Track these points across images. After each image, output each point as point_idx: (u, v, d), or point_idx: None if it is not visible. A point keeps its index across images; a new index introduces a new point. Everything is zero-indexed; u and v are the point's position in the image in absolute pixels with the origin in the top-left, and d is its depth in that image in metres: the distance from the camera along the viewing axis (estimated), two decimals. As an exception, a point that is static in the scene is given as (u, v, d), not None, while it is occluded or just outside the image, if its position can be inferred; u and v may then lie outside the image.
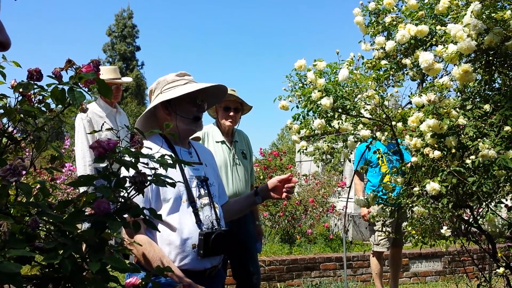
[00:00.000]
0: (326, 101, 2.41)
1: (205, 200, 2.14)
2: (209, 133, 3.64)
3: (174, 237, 2.00)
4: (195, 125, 2.21)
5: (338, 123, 2.75)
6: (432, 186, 2.17)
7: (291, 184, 2.32)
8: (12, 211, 1.09)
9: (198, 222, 2.05)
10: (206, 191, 2.17)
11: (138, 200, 1.93)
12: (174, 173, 2.05)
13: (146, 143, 2.05)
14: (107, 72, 4.68)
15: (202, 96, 2.23)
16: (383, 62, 2.79)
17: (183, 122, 2.17)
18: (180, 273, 1.93)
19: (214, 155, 3.47)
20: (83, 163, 4.33)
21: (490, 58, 2.32)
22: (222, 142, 3.62)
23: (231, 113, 3.60)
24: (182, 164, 2.12)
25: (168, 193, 2.03)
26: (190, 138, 2.82)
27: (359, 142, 3.03)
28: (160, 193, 2.03)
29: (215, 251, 2.04)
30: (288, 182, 2.32)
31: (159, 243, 1.99)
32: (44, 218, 1.07)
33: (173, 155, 2.10)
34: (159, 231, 1.94)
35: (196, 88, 2.14)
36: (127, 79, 5.34)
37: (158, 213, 1.94)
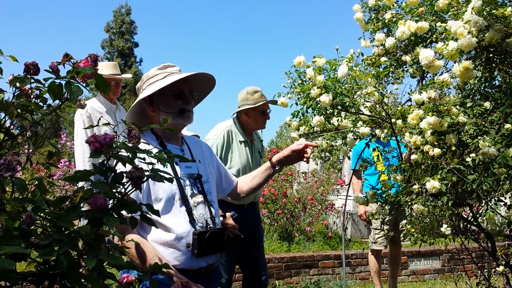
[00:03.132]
0: (325, 98, 2.40)
1: (199, 198, 2.09)
2: (233, 131, 3.58)
3: (167, 237, 1.96)
4: (182, 118, 2.12)
5: (338, 120, 2.74)
6: (432, 184, 2.15)
7: (310, 148, 2.40)
8: (7, 207, 1.08)
9: (192, 221, 2.01)
10: (199, 189, 2.13)
11: None
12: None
13: None
14: (107, 68, 4.67)
15: (188, 88, 2.15)
16: (383, 59, 2.77)
17: (168, 117, 2.08)
18: (175, 271, 1.90)
19: (239, 155, 3.48)
20: (82, 158, 4.32)
21: (491, 55, 2.30)
22: (245, 142, 3.59)
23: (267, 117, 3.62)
24: (174, 163, 2.08)
25: (160, 193, 1.98)
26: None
27: (357, 140, 3.02)
28: (151, 193, 1.98)
29: (209, 250, 2.01)
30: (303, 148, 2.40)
31: (152, 243, 1.96)
32: (40, 214, 1.06)
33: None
34: (157, 227, 1.92)
35: (172, 81, 2.06)
36: (127, 75, 5.34)
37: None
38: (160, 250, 1.95)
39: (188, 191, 2.08)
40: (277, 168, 2.45)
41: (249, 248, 3.61)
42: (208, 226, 2.06)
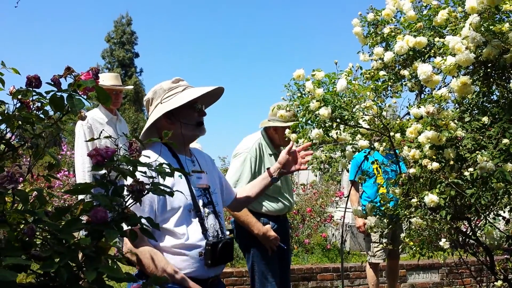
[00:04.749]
0: (324, 111, 2.41)
1: (209, 208, 2.16)
2: (263, 144, 3.57)
3: (181, 246, 2.01)
4: (198, 130, 2.22)
5: (336, 133, 2.75)
6: (431, 198, 2.16)
7: (306, 151, 2.52)
8: (8, 219, 1.08)
9: (204, 231, 2.07)
10: (208, 200, 2.18)
11: (145, 210, 1.95)
12: (180, 182, 2.07)
13: (148, 152, 2.07)
14: (108, 79, 4.72)
15: (200, 100, 2.22)
16: (382, 72, 2.79)
17: (188, 129, 2.17)
18: (188, 279, 1.95)
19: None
20: (82, 169, 4.33)
21: (489, 70, 2.32)
22: (275, 155, 3.57)
23: None
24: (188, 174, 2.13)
25: (175, 203, 2.04)
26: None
27: (356, 152, 3.03)
28: (167, 203, 2.03)
29: (222, 260, 2.07)
30: (295, 152, 2.51)
31: (165, 252, 2.00)
32: (41, 226, 1.07)
33: (176, 164, 2.13)
34: (156, 240, 1.94)
35: (199, 94, 2.14)
36: (129, 87, 5.41)
37: (166, 223, 1.98)
38: (171, 258, 2.00)
39: (199, 201, 2.13)
40: (274, 177, 2.49)
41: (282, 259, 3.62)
42: (219, 237, 2.11)
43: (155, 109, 2.21)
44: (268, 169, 2.53)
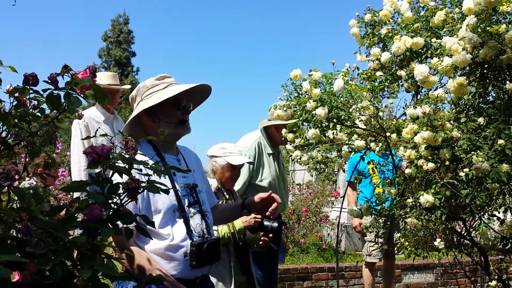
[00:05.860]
0: (321, 111, 2.42)
1: (195, 208, 2.11)
2: (262, 143, 3.56)
3: (165, 247, 1.97)
4: (182, 128, 2.15)
5: (333, 133, 2.76)
6: (426, 198, 2.17)
7: (273, 206, 2.37)
8: (4, 217, 1.08)
9: (189, 232, 2.03)
10: (195, 199, 2.14)
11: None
12: (164, 182, 2.02)
13: None
14: (106, 78, 4.70)
15: (186, 98, 2.16)
16: (378, 73, 2.80)
17: (169, 128, 2.07)
18: (174, 280, 1.92)
19: (269, 168, 3.48)
20: (78, 167, 4.32)
21: (485, 71, 2.33)
22: (273, 154, 3.58)
23: None
24: (172, 173, 2.09)
25: (159, 204, 2.00)
26: (246, 162, 2.98)
27: (353, 153, 3.03)
28: (151, 204, 1.99)
29: (207, 260, 2.03)
30: (271, 200, 2.37)
31: (150, 253, 1.97)
32: (36, 223, 1.06)
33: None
34: (152, 238, 1.93)
35: (176, 92, 2.07)
36: (126, 86, 5.38)
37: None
38: (157, 260, 1.96)
39: (185, 201, 2.09)
40: (245, 211, 2.47)
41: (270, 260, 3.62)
42: (205, 237, 2.08)
43: (137, 106, 2.18)
44: (244, 200, 2.47)
